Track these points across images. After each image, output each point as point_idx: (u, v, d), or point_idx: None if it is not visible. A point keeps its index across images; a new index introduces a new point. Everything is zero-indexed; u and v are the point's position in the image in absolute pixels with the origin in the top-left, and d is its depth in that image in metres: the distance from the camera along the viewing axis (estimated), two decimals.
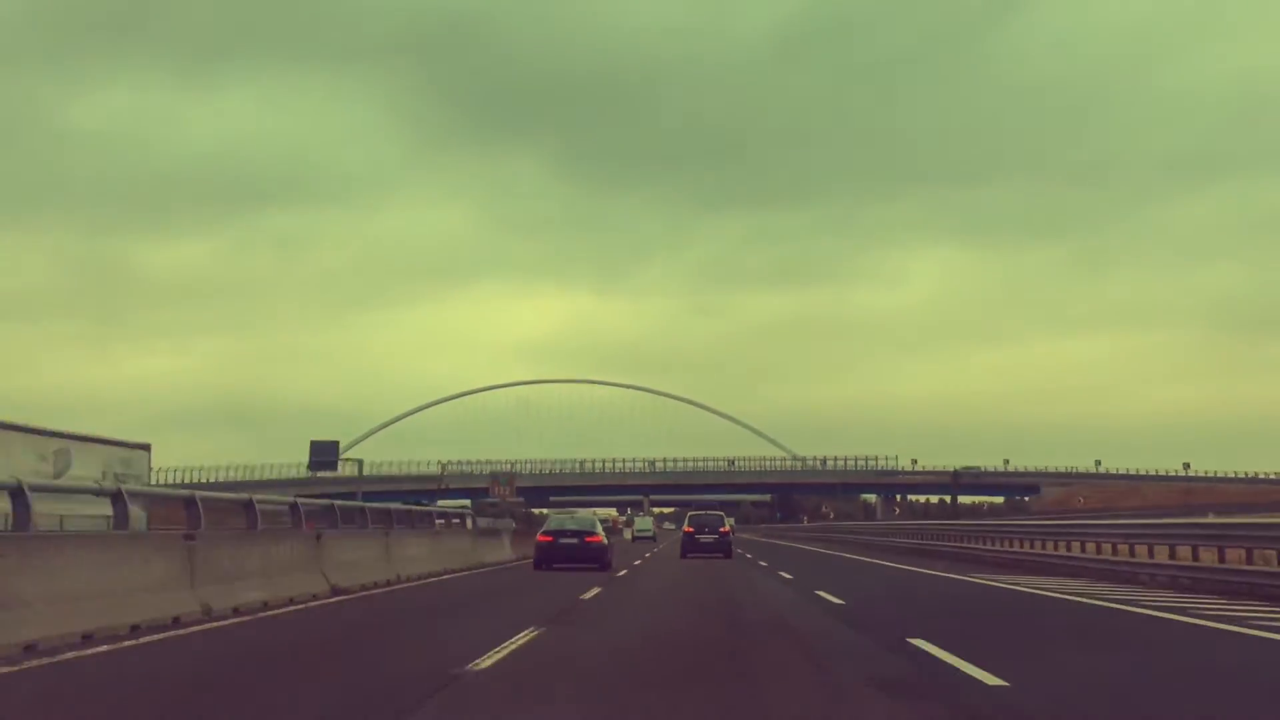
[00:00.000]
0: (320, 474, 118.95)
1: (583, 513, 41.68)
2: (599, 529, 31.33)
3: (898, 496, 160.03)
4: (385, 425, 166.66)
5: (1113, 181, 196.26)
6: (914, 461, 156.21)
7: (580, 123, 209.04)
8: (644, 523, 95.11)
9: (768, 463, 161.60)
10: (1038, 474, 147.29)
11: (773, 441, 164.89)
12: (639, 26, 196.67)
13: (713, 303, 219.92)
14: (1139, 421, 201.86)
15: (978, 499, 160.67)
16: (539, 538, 30.73)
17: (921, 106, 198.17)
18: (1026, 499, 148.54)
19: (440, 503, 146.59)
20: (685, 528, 43.69)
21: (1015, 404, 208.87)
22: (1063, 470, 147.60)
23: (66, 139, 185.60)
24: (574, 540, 29.90)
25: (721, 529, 41.96)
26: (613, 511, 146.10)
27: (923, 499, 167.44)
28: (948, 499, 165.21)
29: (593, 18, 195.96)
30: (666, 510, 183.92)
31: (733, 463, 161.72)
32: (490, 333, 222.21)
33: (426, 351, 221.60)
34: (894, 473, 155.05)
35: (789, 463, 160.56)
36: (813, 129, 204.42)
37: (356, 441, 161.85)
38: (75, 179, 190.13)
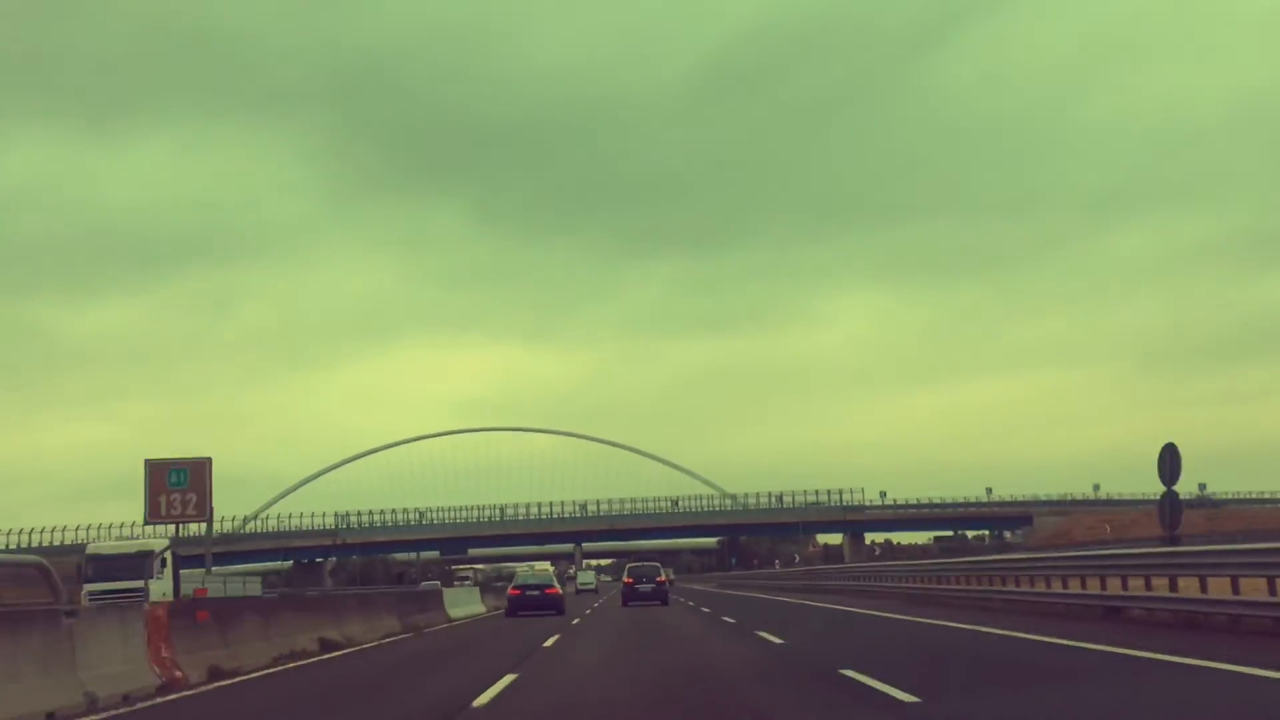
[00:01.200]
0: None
1: (540, 566, 52.91)
2: (555, 582, 40.79)
3: (867, 537, 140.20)
4: (297, 486, 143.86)
5: (1040, 216, 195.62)
6: (883, 494, 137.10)
7: (502, 168, 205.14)
8: (586, 576, 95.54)
9: (714, 501, 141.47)
10: (1029, 503, 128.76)
11: (712, 485, 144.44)
12: (559, 66, 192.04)
13: (643, 350, 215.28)
14: (1092, 451, 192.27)
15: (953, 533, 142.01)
16: (510, 591, 39.23)
17: (847, 144, 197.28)
18: (1015, 533, 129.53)
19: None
20: (625, 579, 46.56)
21: (957, 441, 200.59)
22: (1055, 498, 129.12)
23: None
24: (537, 592, 37.76)
25: (658, 579, 44.99)
26: (547, 565, 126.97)
27: (892, 538, 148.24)
28: (922, 538, 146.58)
29: (511, 60, 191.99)
30: (603, 562, 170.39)
31: (676, 503, 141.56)
32: (420, 387, 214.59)
33: (356, 408, 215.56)
34: (860, 508, 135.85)
35: (736, 503, 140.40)
36: (740, 169, 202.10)
37: (269, 504, 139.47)
38: None
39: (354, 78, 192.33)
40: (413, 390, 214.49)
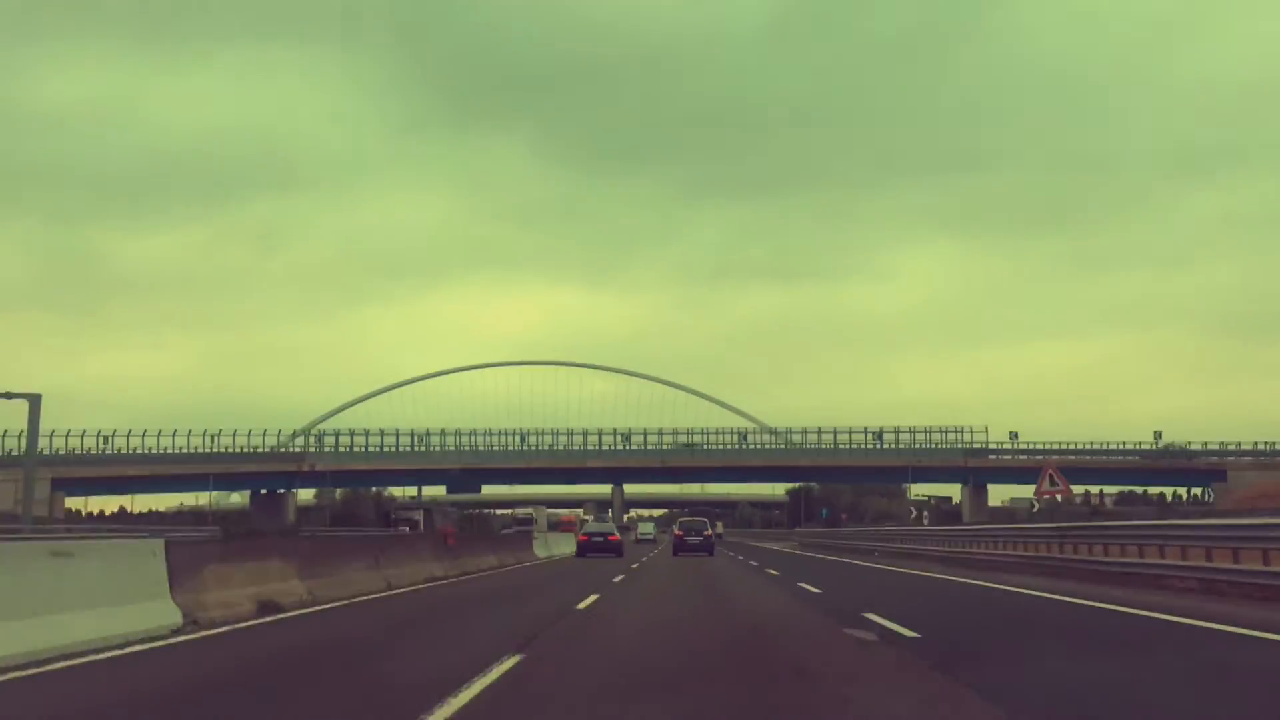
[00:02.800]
0: None
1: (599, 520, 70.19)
2: (615, 530, 47.39)
3: (991, 491, 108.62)
4: (326, 416, 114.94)
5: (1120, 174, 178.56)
6: (1013, 436, 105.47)
7: (563, 105, 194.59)
8: (646, 527, 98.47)
9: (794, 437, 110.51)
10: (1222, 452, 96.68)
11: (781, 435, 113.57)
12: (623, 2, 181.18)
13: (703, 297, 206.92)
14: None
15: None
16: (579, 537, 45.53)
17: (920, 88, 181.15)
18: (1207, 492, 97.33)
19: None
20: (676, 531, 52.43)
21: (1029, 403, 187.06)
22: (1260, 448, 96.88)
23: (29, 123, 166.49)
24: (601, 539, 43.89)
25: (705, 532, 48.21)
26: (578, 512, 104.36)
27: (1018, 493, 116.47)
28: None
29: None
30: (656, 513, 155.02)
31: (744, 438, 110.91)
32: (476, 327, 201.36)
33: (410, 347, 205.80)
34: (984, 451, 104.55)
35: (819, 442, 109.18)
36: (806, 112, 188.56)
37: (307, 428, 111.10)
38: (39, 166, 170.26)
39: (411, 6, 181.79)
40: (469, 329, 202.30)
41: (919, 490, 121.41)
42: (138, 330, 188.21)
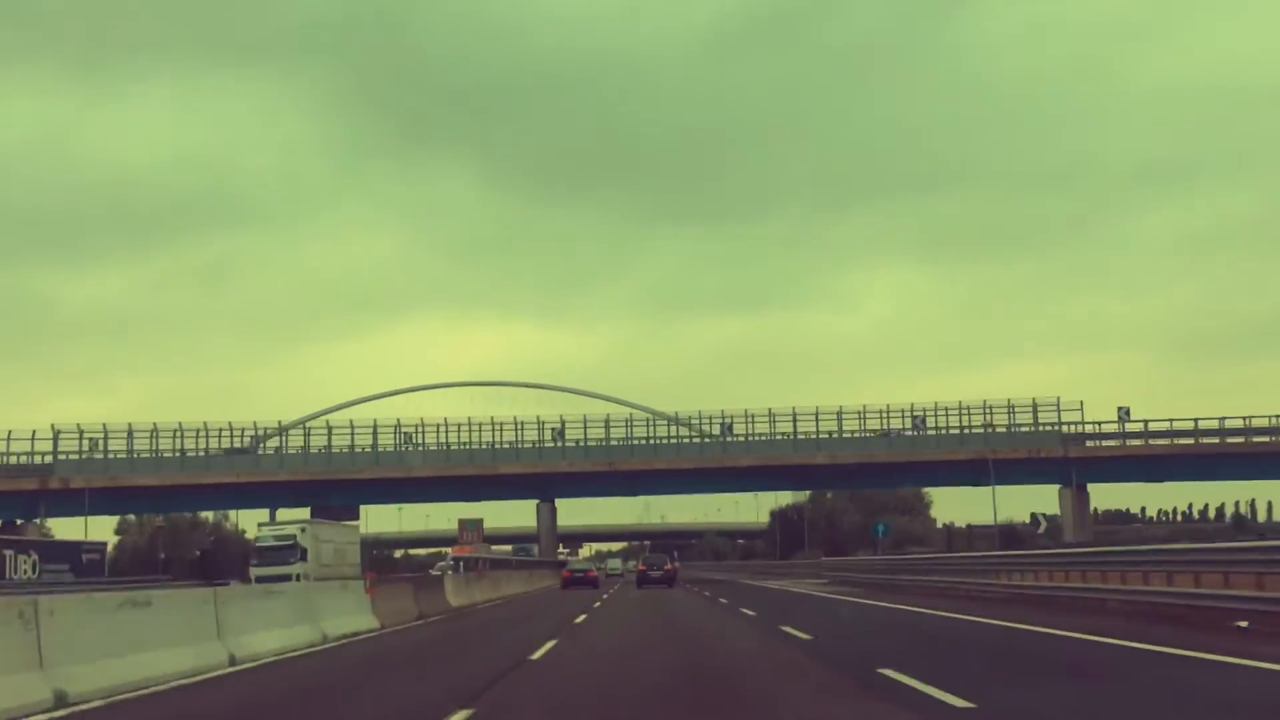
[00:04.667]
0: None
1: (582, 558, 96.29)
2: (593, 568, 59.49)
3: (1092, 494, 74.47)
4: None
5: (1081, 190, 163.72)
6: (1124, 413, 71.48)
7: (510, 129, 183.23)
8: (614, 563, 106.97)
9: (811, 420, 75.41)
10: None
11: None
12: (571, 14, 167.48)
13: (661, 329, 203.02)
14: None
15: None
16: (564, 574, 54.10)
17: (878, 105, 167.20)
18: None
19: None
20: (639, 566, 58.94)
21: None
22: None
23: None
24: (582, 574, 53.08)
25: (666, 567, 52.98)
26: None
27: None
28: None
29: (520, 6, 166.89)
30: (615, 547, 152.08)
31: (729, 428, 75.66)
32: (428, 364, 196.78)
33: (363, 384, 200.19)
34: (1080, 437, 70.80)
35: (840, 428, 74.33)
36: (761, 135, 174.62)
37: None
38: None
39: (351, 29, 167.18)
40: (421, 368, 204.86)
41: (959, 498, 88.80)
42: (83, 376, 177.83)
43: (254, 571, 45.37)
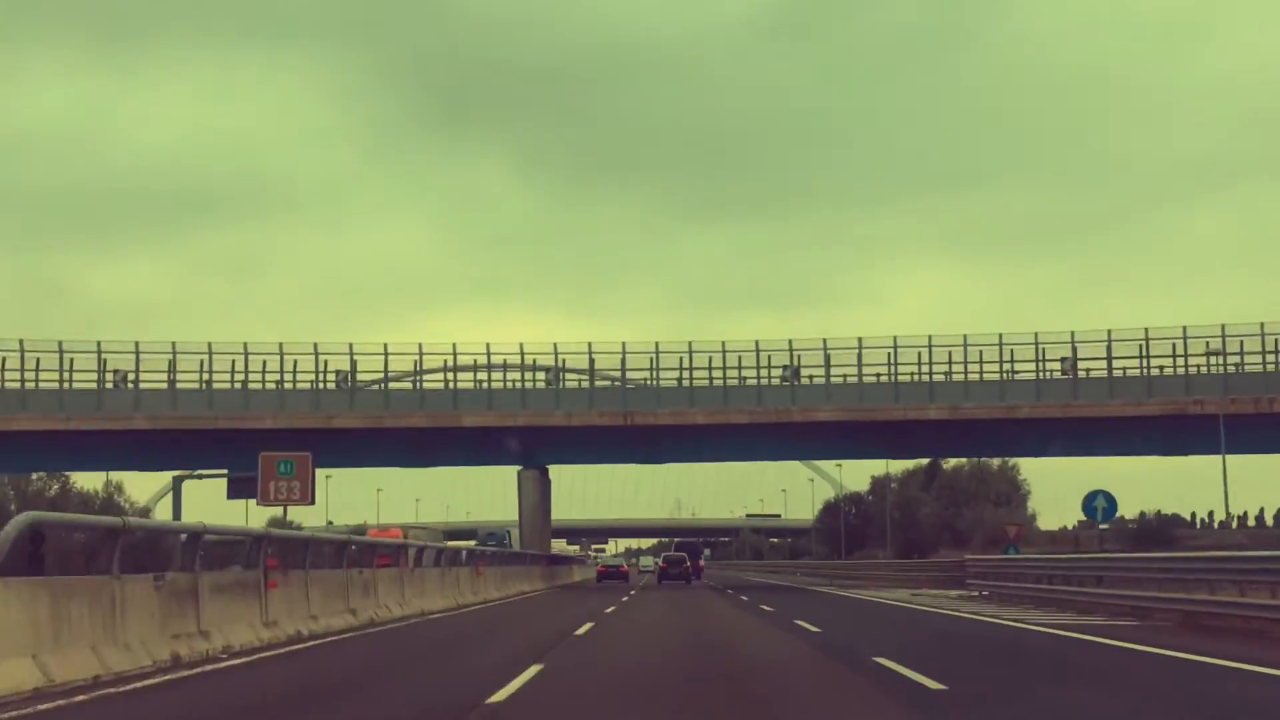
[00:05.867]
0: None
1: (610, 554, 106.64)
2: (625, 564, 69.85)
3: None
4: None
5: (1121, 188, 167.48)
6: None
7: (545, 119, 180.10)
8: (646, 560, 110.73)
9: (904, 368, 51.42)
10: None
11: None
12: (608, 8, 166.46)
13: (694, 325, 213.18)
14: None
15: None
16: (599, 569, 62.61)
17: (919, 99, 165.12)
18: None
19: None
20: (660, 564, 62.70)
21: None
22: None
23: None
24: (614, 569, 61.52)
25: (685, 565, 56.82)
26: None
27: None
28: None
29: None
30: (645, 543, 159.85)
31: (795, 373, 51.50)
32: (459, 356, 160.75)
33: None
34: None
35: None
36: (799, 127, 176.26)
37: None
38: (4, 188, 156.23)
39: (385, 13, 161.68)
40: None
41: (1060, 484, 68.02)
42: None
43: None
